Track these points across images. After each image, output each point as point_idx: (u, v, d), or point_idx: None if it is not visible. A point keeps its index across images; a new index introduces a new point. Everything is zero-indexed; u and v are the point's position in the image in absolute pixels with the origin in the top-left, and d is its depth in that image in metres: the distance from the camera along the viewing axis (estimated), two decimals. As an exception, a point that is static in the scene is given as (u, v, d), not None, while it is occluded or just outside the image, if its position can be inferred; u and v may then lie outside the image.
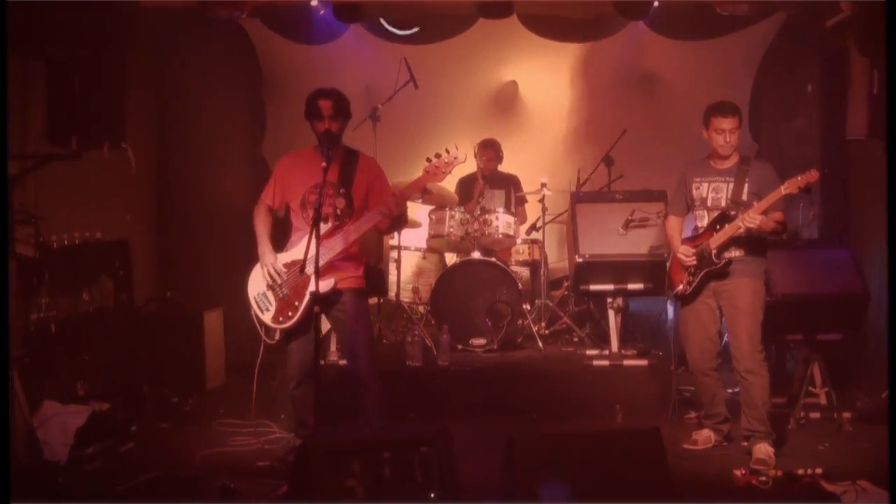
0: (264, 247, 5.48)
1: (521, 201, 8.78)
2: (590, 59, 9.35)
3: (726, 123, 5.65)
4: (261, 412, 6.41)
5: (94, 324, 6.42)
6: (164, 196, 8.11)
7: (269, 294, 5.42)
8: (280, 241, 5.56)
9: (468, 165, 8.87)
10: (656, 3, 7.84)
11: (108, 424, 5.77)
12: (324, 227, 5.18)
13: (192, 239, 8.14)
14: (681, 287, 5.83)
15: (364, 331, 5.55)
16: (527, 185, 8.73)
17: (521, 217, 8.61)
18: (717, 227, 5.64)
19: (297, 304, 5.29)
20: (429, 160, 5.19)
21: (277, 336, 5.43)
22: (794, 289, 6.58)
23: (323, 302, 5.23)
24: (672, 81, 9.36)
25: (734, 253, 5.65)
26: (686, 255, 5.76)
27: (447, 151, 5.17)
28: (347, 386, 5.60)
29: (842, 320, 6.57)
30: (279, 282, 5.37)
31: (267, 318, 5.42)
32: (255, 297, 5.49)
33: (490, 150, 8.80)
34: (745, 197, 5.61)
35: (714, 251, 5.62)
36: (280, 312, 5.38)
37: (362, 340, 5.52)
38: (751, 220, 5.39)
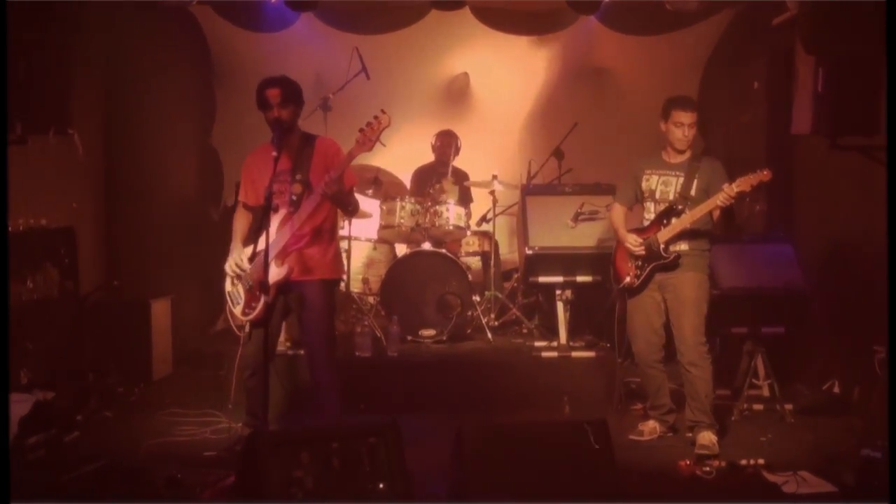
0: (233, 244, 5.51)
1: (468, 199, 8.81)
2: (541, 52, 9.41)
3: (686, 117, 5.70)
4: (208, 402, 6.39)
5: (39, 312, 6.32)
6: (111, 183, 8.00)
7: (239, 287, 5.43)
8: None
9: (424, 156, 8.95)
10: (607, -1, 7.90)
11: (53, 414, 5.70)
12: (282, 215, 5.23)
13: (139, 227, 8.05)
14: (628, 279, 5.88)
15: (322, 322, 5.50)
16: (477, 177, 8.75)
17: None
18: (665, 221, 5.71)
19: (262, 297, 5.27)
20: (361, 130, 5.11)
21: (247, 328, 5.39)
22: (739, 282, 6.68)
23: (284, 290, 5.29)
24: (622, 76, 9.45)
25: (681, 246, 5.71)
26: (634, 244, 5.81)
27: (375, 118, 5.10)
28: (302, 377, 5.57)
29: (785, 314, 6.69)
30: (243, 274, 5.36)
31: (238, 311, 5.43)
32: (229, 293, 5.52)
33: (447, 138, 8.84)
34: (693, 192, 5.68)
35: (662, 245, 5.68)
36: (247, 305, 5.37)
37: (319, 332, 5.49)
38: (726, 197, 5.38)
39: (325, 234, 5.48)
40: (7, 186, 4.61)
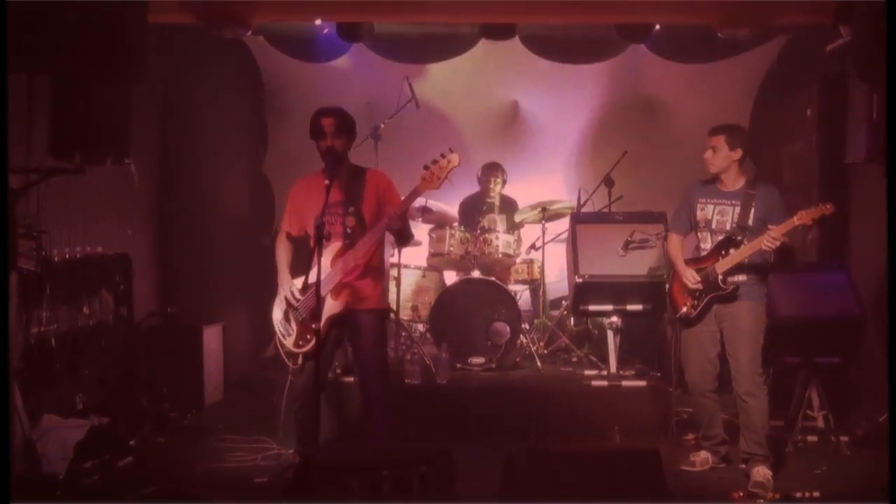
0: (282, 275, 5.52)
1: (518, 226, 8.81)
2: (591, 80, 9.41)
3: (708, 141, 5.72)
4: (259, 428, 6.44)
5: (94, 338, 6.42)
6: (165, 211, 8.13)
7: (291, 318, 5.44)
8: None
9: (472, 187, 8.99)
10: (657, 27, 7.89)
11: (107, 439, 5.75)
12: (335, 248, 5.22)
13: (192, 255, 8.16)
14: (685, 310, 5.84)
15: (377, 352, 5.52)
16: (527, 205, 8.75)
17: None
18: (723, 251, 5.66)
19: (314, 327, 5.29)
20: (426, 167, 5.15)
21: (300, 360, 5.41)
22: (793, 311, 6.59)
23: (339, 322, 5.30)
24: (672, 104, 9.42)
25: (739, 277, 5.66)
26: (692, 280, 5.77)
27: (442, 156, 5.12)
28: (352, 404, 5.58)
29: (840, 343, 6.58)
30: (296, 306, 5.39)
31: (289, 343, 5.44)
32: (278, 324, 5.52)
33: (493, 172, 8.86)
34: (751, 222, 5.63)
35: (720, 276, 5.64)
36: (300, 336, 5.39)
37: (375, 363, 5.50)
38: (771, 240, 5.37)
39: (375, 268, 5.51)
40: (7, 206, 4.67)
